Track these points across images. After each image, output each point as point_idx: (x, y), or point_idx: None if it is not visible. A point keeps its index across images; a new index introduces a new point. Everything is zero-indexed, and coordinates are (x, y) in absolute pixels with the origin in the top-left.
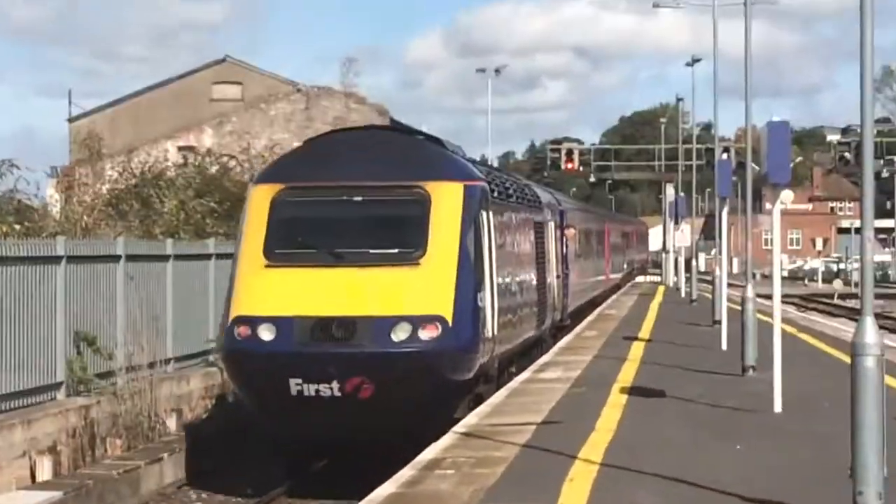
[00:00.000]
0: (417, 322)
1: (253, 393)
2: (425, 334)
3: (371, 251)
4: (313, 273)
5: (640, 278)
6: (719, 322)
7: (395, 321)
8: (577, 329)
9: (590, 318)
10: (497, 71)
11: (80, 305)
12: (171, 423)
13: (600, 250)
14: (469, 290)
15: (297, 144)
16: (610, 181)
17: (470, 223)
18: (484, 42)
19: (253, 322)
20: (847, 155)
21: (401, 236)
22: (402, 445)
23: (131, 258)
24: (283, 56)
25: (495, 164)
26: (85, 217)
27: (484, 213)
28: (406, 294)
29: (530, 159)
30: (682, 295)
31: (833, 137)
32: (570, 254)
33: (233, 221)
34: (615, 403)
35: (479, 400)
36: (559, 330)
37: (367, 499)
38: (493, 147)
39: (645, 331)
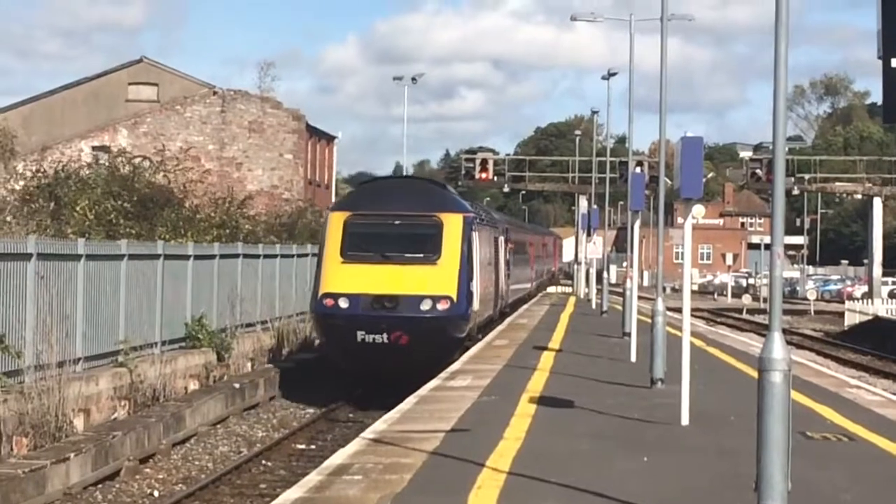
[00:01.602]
0: (435, 299)
1: (333, 340)
2: (440, 306)
3: (406, 255)
4: (371, 267)
5: (551, 288)
6: (629, 334)
7: (422, 298)
8: (488, 338)
9: (500, 327)
10: (414, 79)
11: None
12: (79, 423)
13: (527, 259)
14: (465, 280)
15: (211, 147)
16: (524, 192)
17: (466, 239)
18: (401, 50)
19: (335, 296)
20: (759, 171)
21: (424, 246)
22: (411, 380)
23: (42, 256)
24: (199, 58)
25: (411, 172)
26: (5, 215)
27: (473, 233)
28: (428, 281)
29: (445, 168)
30: (593, 306)
31: (745, 154)
32: (510, 261)
33: (145, 222)
34: (524, 413)
35: (466, 349)
36: (502, 315)
37: (274, 503)
38: (408, 155)
39: (555, 341)
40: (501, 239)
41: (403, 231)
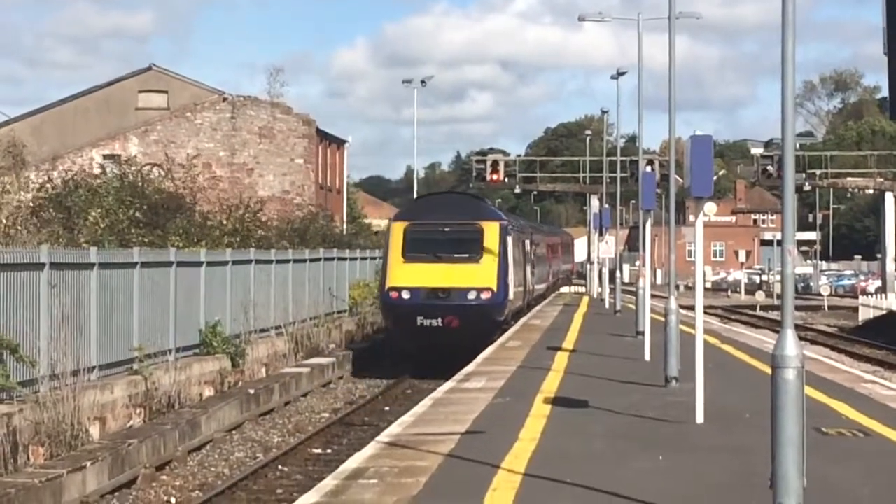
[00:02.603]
0: (479, 290)
1: (398, 325)
2: (483, 296)
3: (455, 255)
4: (427, 265)
5: (564, 289)
6: (643, 333)
7: (468, 289)
8: (501, 339)
9: (514, 328)
10: (423, 82)
11: (3, 313)
12: (95, 432)
13: (546, 259)
14: (503, 275)
15: (222, 154)
16: (535, 192)
17: (502, 242)
18: (411, 53)
19: (399, 289)
20: (770, 168)
21: (469, 248)
22: (462, 357)
23: (55, 266)
24: (209, 65)
25: (422, 175)
26: (16, 226)
27: (508, 237)
28: (473, 276)
29: (456, 170)
30: (607, 306)
31: (756, 151)
32: (535, 261)
33: (157, 229)
34: (539, 414)
35: (504, 331)
36: (528, 306)
37: None
38: (418, 158)
39: (569, 341)
40: (528, 241)
41: (452, 236)
